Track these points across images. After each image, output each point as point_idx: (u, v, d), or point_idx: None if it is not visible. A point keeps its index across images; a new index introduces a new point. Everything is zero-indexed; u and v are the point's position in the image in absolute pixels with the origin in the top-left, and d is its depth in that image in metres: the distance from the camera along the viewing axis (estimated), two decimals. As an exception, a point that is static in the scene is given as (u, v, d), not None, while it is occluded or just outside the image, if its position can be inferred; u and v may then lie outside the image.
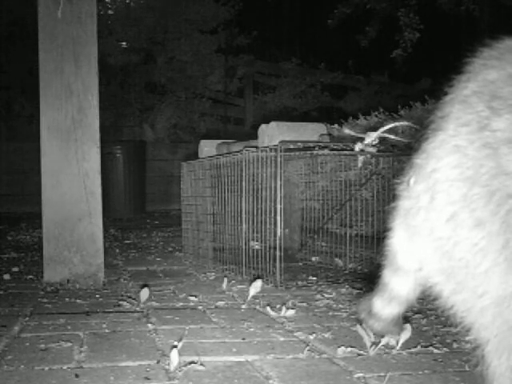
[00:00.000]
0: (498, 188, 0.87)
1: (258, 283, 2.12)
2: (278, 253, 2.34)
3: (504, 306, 0.86)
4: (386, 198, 2.72)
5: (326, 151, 2.66)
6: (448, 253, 0.94)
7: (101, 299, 2.22)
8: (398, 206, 1.08)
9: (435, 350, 1.55)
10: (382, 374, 1.35)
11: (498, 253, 0.87)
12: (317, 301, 2.16)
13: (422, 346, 1.58)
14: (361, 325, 1.49)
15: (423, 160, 0.99)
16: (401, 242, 1.11)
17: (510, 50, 0.96)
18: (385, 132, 1.73)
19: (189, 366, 1.40)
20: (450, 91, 1.00)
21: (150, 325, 1.82)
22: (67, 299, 2.21)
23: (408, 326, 1.55)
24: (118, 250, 3.63)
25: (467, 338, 0.93)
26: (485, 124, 0.90)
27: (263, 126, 2.79)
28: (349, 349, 1.54)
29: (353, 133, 2.06)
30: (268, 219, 2.51)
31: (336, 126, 4.01)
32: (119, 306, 2.09)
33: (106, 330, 1.75)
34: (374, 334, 1.51)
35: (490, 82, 0.93)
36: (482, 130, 0.90)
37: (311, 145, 2.59)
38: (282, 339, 1.66)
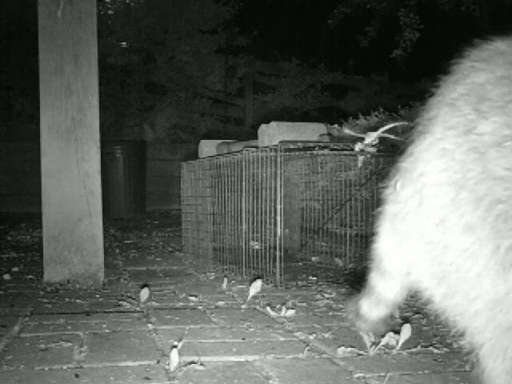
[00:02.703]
0: (486, 193, 0.86)
1: (258, 283, 2.12)
2: (277, 253, 2.34)
3: (497, 310, 0.86)
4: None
5: (326, 151, 2.66)
6: (438, 257, 0.93)
7: (101, 299, 2.22)
8: (385, 211, 1.07)
9: (435, 350, 1.55)
10: (382, 374, 1.35)
11: (488, 257, 0.86)
12: (317, 301, 2.16)
13: (422, 346, 1.58)
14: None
15: (410, 163, 0.99)
16: (388, 246, 1.10)
17: (500, 52, 0.94)
18: (385, 132, 1.73)
19: (189, 366, 1.40)
20: (438, 93, 0.99)
21: (150, 325, 1.82)
22: (67, 299, 2.21)
23: (408, 325, 1.55)
24: (118, 250, 3.63)
25: (463, 343, 0.93)
26: (472, 127, 0.89)
27: (263, 126, 2.79)
28: (349, 349, 1.54)
29: (353, 133, 2.05)
30: (268, 219, 2.51)
31: (336, 125, 4.01)
32: (119, 305, 2.09)
33: (106, 330, 1.75)
34: (373, 334, 1.51)
35: (479, 84, 0.92)
36: (469, 134, 0.89)
37: (311, 145, 2.59)
38: (282, 339, 1.66)
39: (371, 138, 1.84)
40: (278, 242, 2.34)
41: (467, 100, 0.92)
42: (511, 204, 0.85)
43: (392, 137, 1.78)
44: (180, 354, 1.41)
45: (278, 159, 2.35)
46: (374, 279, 1.21)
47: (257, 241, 2.72)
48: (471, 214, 0.87)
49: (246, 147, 2.65)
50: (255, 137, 2.87)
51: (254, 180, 2.61)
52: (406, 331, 1.54)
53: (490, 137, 0.87)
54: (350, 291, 2.31)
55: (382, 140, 1.92)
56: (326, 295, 2.25)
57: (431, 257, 0.95)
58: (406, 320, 1.75)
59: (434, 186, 0.93)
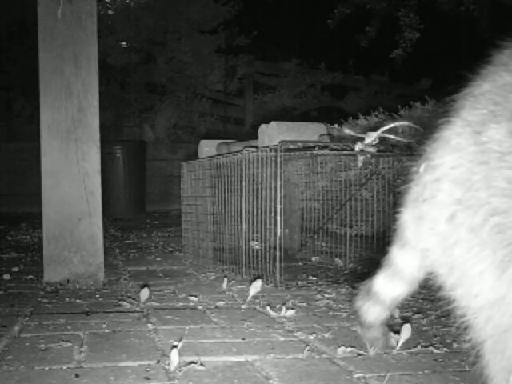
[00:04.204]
0: (486, 201, 0.86)
1: (258, 283, 2.12)
2: (277, 253, 2.34)
3: (495, 311, 0.87)
4: (386, 198, 2.72)
5: (326, 151, 2.66)
6: (449, 249, 0.94)
7: (101, 299, 2.22)
8: (410, 189, 1.07)
9: (435, 350, 1.55)
10: (382, 374, 1.35)
11: (489, 260, 0.87)
12: (317, 301, 2.16)
13: (422, 346, 1.58)
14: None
15: (432, 151, 0.98)
16: (410, 222, 1.10)
17: None
18: (385, 132, 1.73)
19: (189, 366, 1.40)
20: (470, 84, 0.96)
21: (150, 325, 1.82)
22: (67, 299, 2.21)
23: (408, 325, 1.55)
24: (118, 250, 3.63)
25: (467, 338, 0.94)
26: (484, 129, 0.88)
27: (263, 126, 2.79)
28: (349, 349, 1.53)
29: (353, 133, 2.06)
30: (268, 219, 2.51)
31: (336, 125, 4.01)
32: (119, 305, 2.09)
33: (106, 330, 1.75)
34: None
35: (502, 84, 0.89)
36: (480, 135, 0.88)
37: (311, 145, 2.59)
38: (282, 339, 1.66)
39: (371, 137, 1.84)
40: (278, 241, 2.34)
41: (488, 99, 0.90)
42: (505, 218, 0.85)
43: (392, 137, 1.78)
44: (180, 354, 1.41)
45: (278, 159, 2.35)
46: (394, 251, 1.20)
47: (257, 241, 2.72)
48: (472, 218, 0.88)
49: (245, 147, 2.65)
50: (255, 137, 2.87)
51: (254, 180, 2.61)
52: (406, 331, 1.54)
53: (499, 144, 0.85)
54: (350, 291, 2.32)
55: (382, 140, 1.93)
56: (326, 295, 2.25)
57: (443, 247, 0.95)
58: (406, 320, 1.75)
59: (446, 183, 0.93)
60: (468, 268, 0.90)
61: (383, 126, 1.70)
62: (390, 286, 1.25)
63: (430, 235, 0.99)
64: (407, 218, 1.10)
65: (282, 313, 1.94)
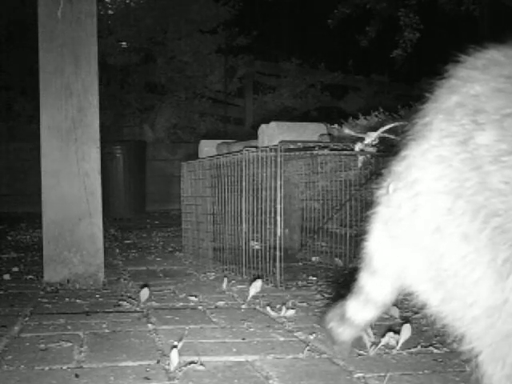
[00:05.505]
0: (483, 205, 0.86)
1: (258, 283, 2.12)
2: (277, 253, 2.34)
3: (496, 317, 0.85)
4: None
5: (325, 151, 2.66)
6: (435, 263, 0.92)
7: (101, 299, 2.22)
8: (377, 212, 1.06)
9: (435, 350, 1.55)
10: (382, 374, 1.35)
11: (486, 266, 0.86)
12: (317, 301, 2.16)
13: (422, 346, 1.58)
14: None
15: (404, 168, 0.97)
16: (378, 247, 1.09)
17: (495, 62, 0.93)
18: (385, 132, 1.73)
19: (189, 366, 1.40)
20: (432, 99, 0.97)
21: (150, 325, 1.82)
22: (67, 299, 2.21)
23: (408, 325, 1.55)
24: (118, 250, 3.63)
25: (463, 346, 0.92)
26: (469, 137, 0.88)
27: (263, 126, 2.79)
28: (349, 349, 1.53)
29: (353, 133, 2.05)
30: (268, 219, 2.51)
31: (336, 125, 4.00)
32: (119, 305, 2.09)
33: (106, 330, 1.75)
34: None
35: (473, 95, 0.91)
36: (467, 144, 0.88)
37: (311, 145, 2.59)
38: (281, 339, 1.66)
39: (371, 137, 1.84)
40: (278, 241, 2.34)
41: (463, 110, 0.91)
42: (507, 217, 0.84)
43: (392, 137, 1.78)
44: (180, 354, 1.41)
45: (278, 159, 2.35)
46: (364, 279, 1.19)
47: (257, 241, 2.72)
48: (468, 224, 0.87)
49: (245, 147, 2.65)
50: (255, 137, 2.87)
51: (254, 180, 2.61)
52: (406, 331, 1.54)
53: (488, 149, 0.86)
54: (348, 291, 2.31)
55: (381, 140, 1.92)
56: (326, 295, 2.25)
57: (428, 262, 0.94)
58: (406, 320, 1.75)
59: (430, 194, 0.92)
60: (461, 278, 0.88)
61: (383, 126, 1.70)
62: (363, 312, 1.24)
63: (410, 252, 0.98)
64: (375, 243, 1.09)
65: (282, 313, 1.94)
